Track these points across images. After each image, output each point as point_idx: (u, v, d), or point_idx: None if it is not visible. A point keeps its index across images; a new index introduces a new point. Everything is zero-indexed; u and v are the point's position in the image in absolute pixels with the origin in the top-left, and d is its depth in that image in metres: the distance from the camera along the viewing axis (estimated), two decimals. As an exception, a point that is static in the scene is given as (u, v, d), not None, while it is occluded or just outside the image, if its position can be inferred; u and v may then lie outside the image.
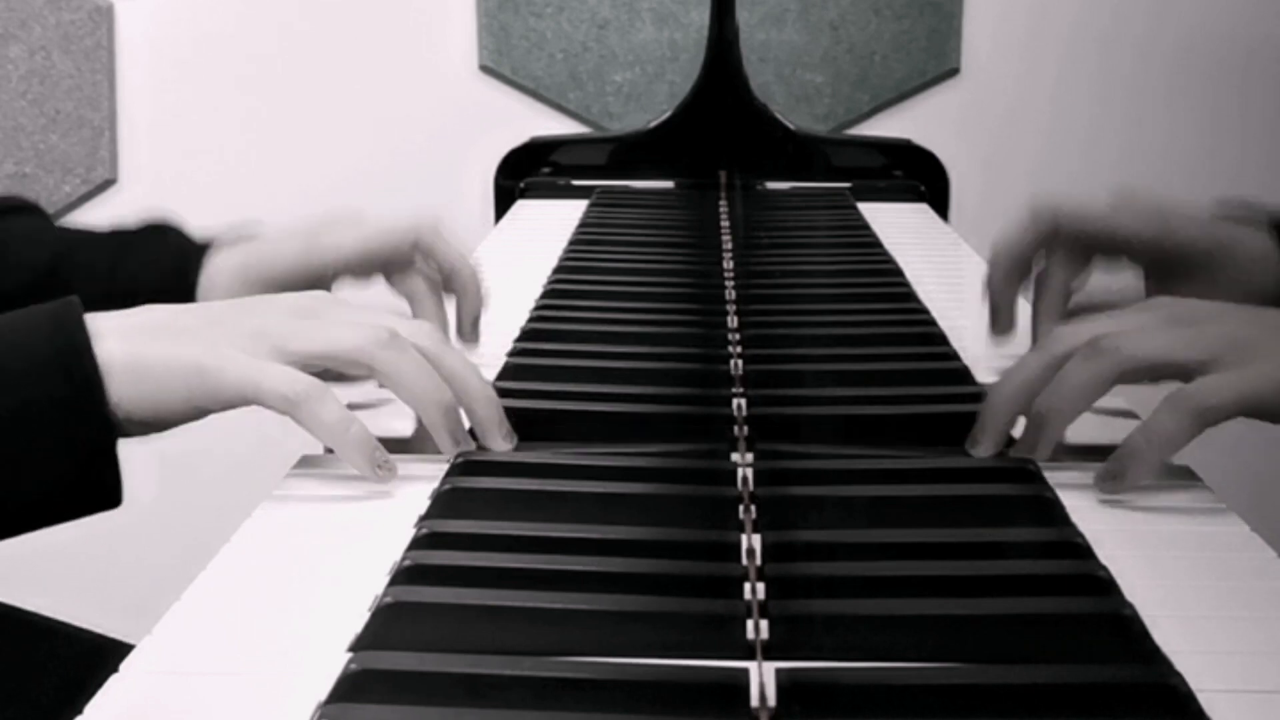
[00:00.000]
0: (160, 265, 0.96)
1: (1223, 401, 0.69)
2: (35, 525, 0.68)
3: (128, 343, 0.69)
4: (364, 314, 0.75)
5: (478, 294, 0.95)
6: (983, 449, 0.74)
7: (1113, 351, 0.71)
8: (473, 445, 0.74)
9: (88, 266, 0.98)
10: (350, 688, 0.49)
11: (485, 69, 2.07)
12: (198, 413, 0.71)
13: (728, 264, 1.16)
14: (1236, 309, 0.76)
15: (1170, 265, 0.91)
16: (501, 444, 0.74)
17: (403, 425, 0.75)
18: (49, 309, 0.70)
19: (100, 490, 0.68)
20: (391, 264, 0.94)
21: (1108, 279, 0.95)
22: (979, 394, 0.82)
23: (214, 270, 0.98)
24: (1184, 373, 0.71)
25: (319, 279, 0.96)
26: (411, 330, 0.75)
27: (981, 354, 0.91)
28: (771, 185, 1.56)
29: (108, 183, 2.08)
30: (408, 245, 0.95)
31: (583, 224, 1.36)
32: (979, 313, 0.95)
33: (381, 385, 0.75)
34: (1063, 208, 0.93)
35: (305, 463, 0.74)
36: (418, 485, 0.69)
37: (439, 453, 0.73)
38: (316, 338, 0.72)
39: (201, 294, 0.97)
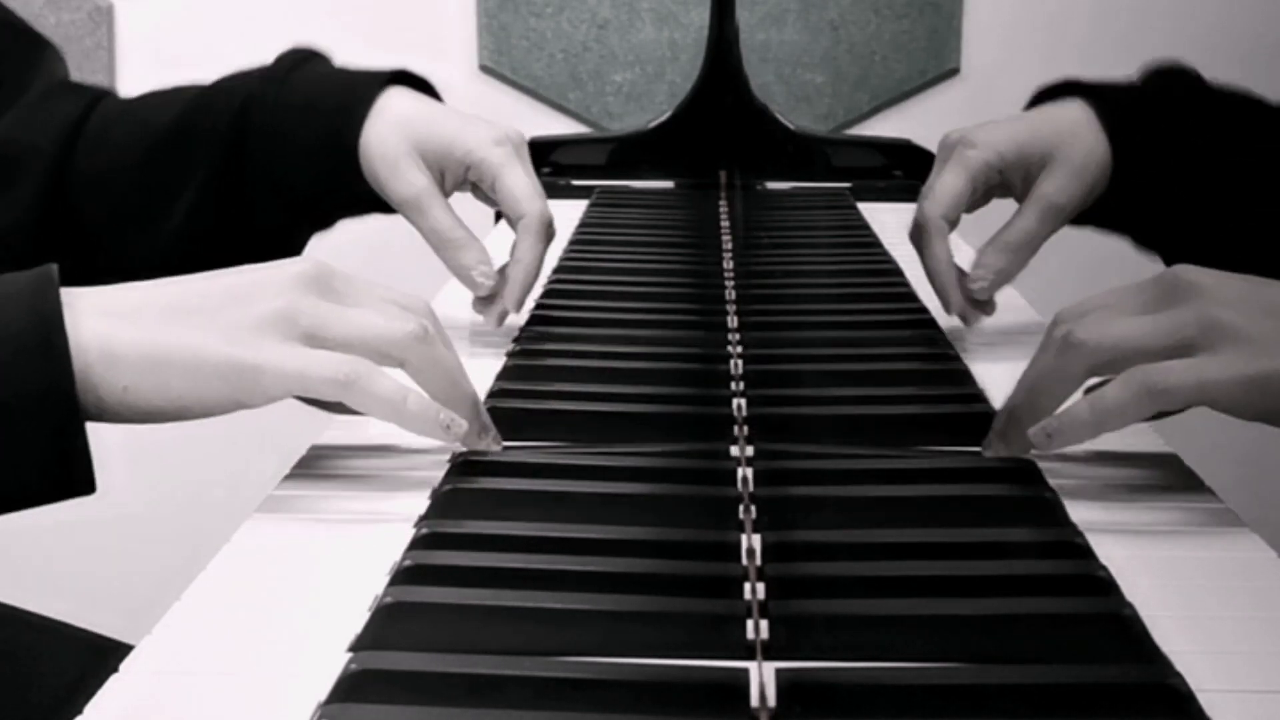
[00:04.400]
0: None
1: (1180, 384, 0.64)
2: (6, 510, 0.65)
3: (133, 328, 0.65)
4: (377, 291, 0.71)
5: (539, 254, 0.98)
6: (994, 450, 0.72)
7: (1079, 346, 0.67)
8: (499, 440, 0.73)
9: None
10: (350, 688, 0.49)
11: (485, 69, 2.07)
12: (235, 407, 0.67)
13: (728, 264, 1.16)
14: (1237, 285, 0.67)
15: (1029, 174, 0.98)
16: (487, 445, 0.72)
17: None
18: (24, 283, 0.65)
19: (72, 479, 0.65)
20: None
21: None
22: (979, 394, 0.82)
23: (384, 119, 0.99)
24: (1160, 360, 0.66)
25: (450, 165, 1.00)
26: (420, 313, 0.71)
27: (983, 356, 0.91)
28: (771, 185, 1.56)
29: (108, 183, 2.08)
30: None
31: (583, 224, 1.36)
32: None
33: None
34: (1000, 152, 0.99)
35: (305, 462, 0.73)
36: (417, 485, 0.69)
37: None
38: (351, 324, 0.68)
39: (368, 133, 0.98)
